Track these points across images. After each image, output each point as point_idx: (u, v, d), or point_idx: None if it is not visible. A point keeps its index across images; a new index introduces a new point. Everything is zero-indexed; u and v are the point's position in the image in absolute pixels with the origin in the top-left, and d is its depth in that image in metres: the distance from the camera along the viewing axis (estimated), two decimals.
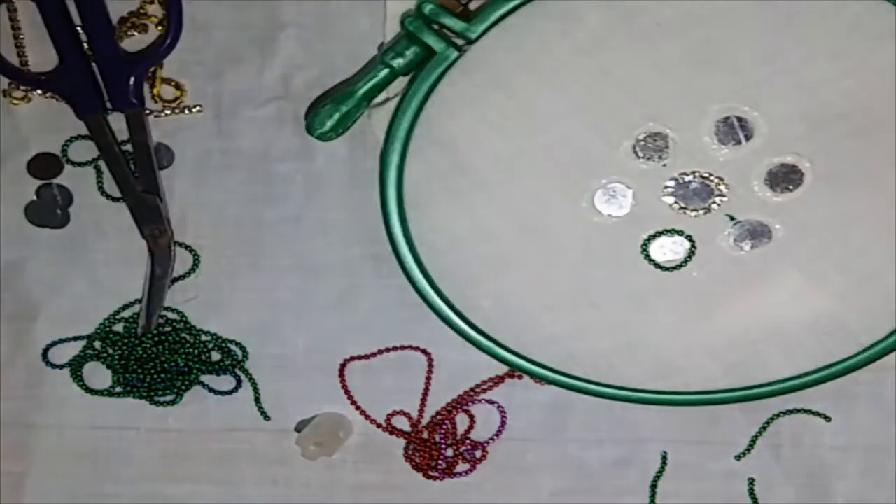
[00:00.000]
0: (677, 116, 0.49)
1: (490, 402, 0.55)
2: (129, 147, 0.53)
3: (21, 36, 0.53)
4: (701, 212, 0.50)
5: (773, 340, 0.51)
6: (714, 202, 0.50)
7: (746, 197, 0.50)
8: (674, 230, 0.51)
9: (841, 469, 0.54)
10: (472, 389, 0.55)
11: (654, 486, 0.55)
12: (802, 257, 0.51)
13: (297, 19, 0.53)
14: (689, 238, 0.51)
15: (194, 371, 0.55)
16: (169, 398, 0.55)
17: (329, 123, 0.50)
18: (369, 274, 0.54)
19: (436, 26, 0.48)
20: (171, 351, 0.55)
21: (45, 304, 0.55)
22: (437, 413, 0.55)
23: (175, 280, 0.55)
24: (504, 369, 0.54)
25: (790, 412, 0.54)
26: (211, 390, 0.56)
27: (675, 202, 0.50)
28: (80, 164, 0.54)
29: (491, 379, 0.55)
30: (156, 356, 0.55)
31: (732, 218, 0.50)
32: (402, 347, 0.55)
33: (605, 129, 0.50)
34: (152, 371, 0.55)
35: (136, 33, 0.53)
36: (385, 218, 0.50)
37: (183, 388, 0.55)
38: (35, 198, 0.54)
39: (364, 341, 0.55)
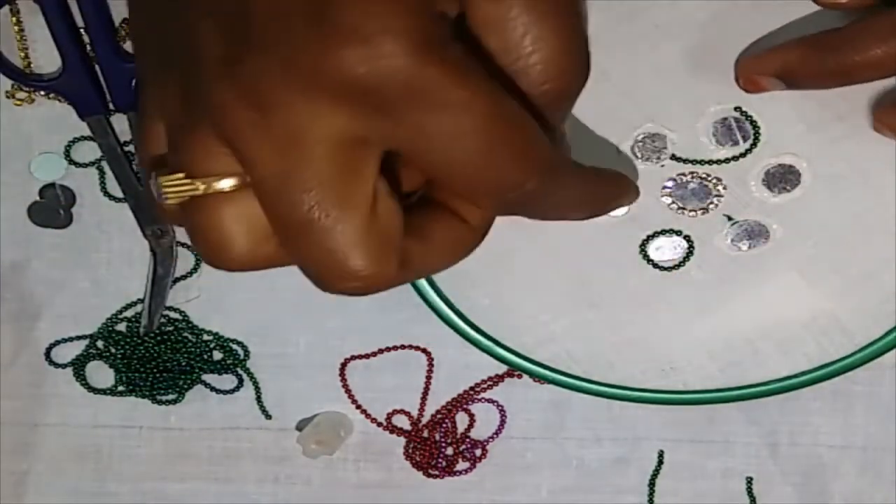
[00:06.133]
0: (675, 117, 0.50)
1: (490, 400, 0.55)
2: (131, 148, 0.54)
3: (24, 38, 0.53)
4: (699, 212, 0.51)
5: (770, 340, 0.51)
6: (712, 202, 0.51)
7: (744, 197, 0.50)
8: (672, 230, 0.51)
9: (838, 468, 0.55)
10: (471, 388, 0.55)
11: (652, 485, 0.55)
12: (800, 257, 0.51)
13: None
14: (688, 238, 0.51)
15: (196, 370, 0.55)
16: (171, 397, 0.56)
17: None
18: None
19: None
20: (173, 350, 0.55)
21: (48, 303, 0.55)
22: (438, 412, 0.55)
23: (177, 280, 0.55)
24: (504, 368, 0.54)
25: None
26: (213, 389, 0.56)
27: (673, 202, 0.51)
28: (82, 165, 0.54)
29: (491, 378, 0.55)
30: (158, 355, 0.55)
31: (730, 218, 0.51)
32: (402, 347, 0.55)
33: (604, 130, 0.50)
34: (154, 370, 0.55)
35: None
36: None
37: (185, 387, 0.56)
38: (38, 198, 0.54)
39: (364, 341, 0.55)
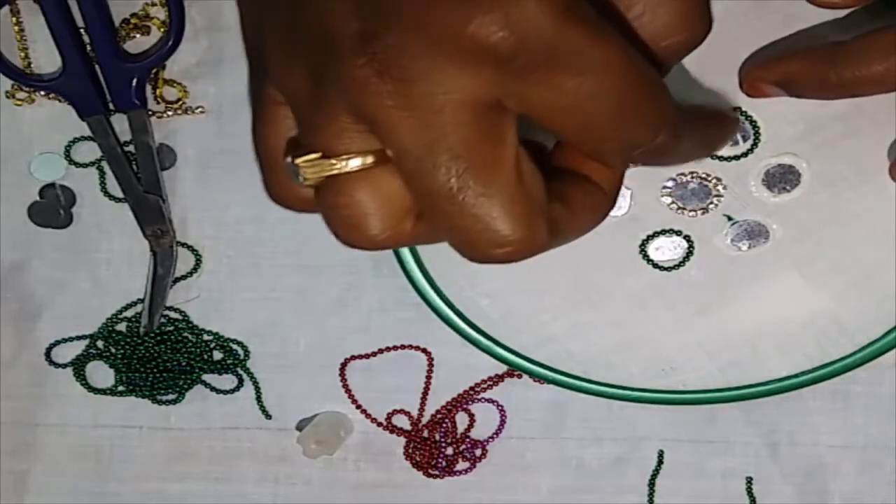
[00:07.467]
0: None
1: (490, 400, 0.55)
2: (131, 148, 0.54)
3: (24, 38, 0.53)
4: (699, 212, 0.51)
5: (770, 340, 0.51)
6: (712, 202, 0.51)
7: (744, 197, 0.50)
8: (672, 230, 0.51)
9: (838, 468, 0.55)
10: (471, 388, 0.55)
11: (652, 485, 0.55)
12: (800, 257, 0.51)
13: None
14: (687, 238, 0.51)
15: (196, 370, 0.55)
16: (171, 397, 0.56)
17: None
18: (369, 274, 0.54)
19: None
20: (173, 350, 0.55)
21: (48, 303, 0.55)
22: (438, 412, 0.55)
23: (177, 280, 0.55)
24: (503, 368, 0.54)
25: None
26: (213, 389, 0.56)
27: (673, 202, 0.51)
28: (83, 165, 0.54)
29: (490, 378, 0.55)
30: (158, 355, 0.55)
31: (730, 218, 0.51)
32: (402, 347, 0.55)
33: None
34: (154, 370, 0.55)
35: (138, 35, 0.53)
36: None
37: (185, 387, 0.56)
38: (38, 198, 0.54)
39: (364, 341, 0.55)
